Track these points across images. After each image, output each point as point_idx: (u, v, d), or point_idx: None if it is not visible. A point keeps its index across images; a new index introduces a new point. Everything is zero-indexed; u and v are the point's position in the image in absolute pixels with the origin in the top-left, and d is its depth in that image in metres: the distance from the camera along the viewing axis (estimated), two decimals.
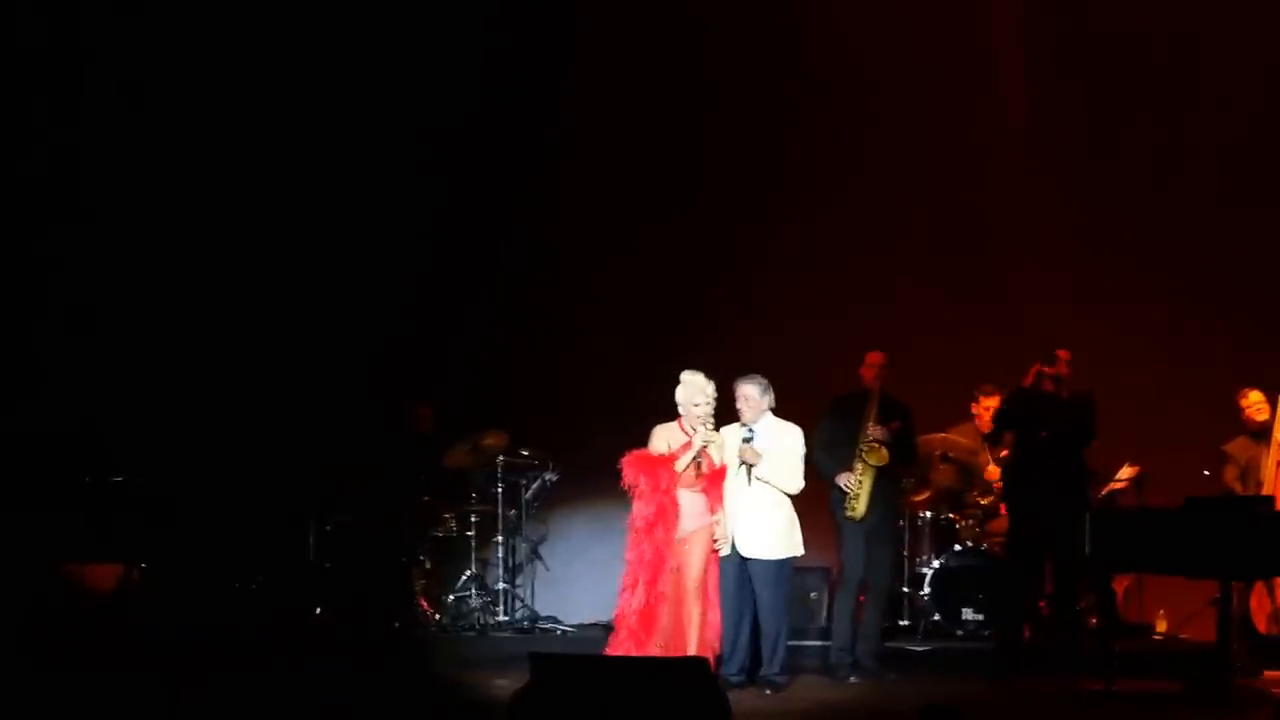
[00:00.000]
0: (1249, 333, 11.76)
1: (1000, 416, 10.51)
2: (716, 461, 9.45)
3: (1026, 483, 10.26)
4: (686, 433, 9.36)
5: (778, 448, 9.61)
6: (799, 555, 9.71)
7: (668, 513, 9.29)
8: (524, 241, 12.66)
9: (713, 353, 10.97)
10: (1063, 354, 10.22)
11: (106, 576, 10.52)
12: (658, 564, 9.25)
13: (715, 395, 9.41)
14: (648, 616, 9.21)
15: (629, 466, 9.32)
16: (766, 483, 9.56)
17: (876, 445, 10.02)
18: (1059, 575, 10.30)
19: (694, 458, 9.31)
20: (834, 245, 12.40)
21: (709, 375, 9.50)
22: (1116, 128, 12.47)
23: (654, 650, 9.11)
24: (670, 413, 9.46)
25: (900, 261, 12.36)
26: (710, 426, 9.39)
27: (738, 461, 9.59)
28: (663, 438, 9.38)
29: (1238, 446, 10.83)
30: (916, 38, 12.56)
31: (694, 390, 9.37)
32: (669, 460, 9.30)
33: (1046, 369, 10.16)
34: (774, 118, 12.59)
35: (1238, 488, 10.70)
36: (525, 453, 11.74)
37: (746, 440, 9.57)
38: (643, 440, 9.42)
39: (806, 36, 12.57)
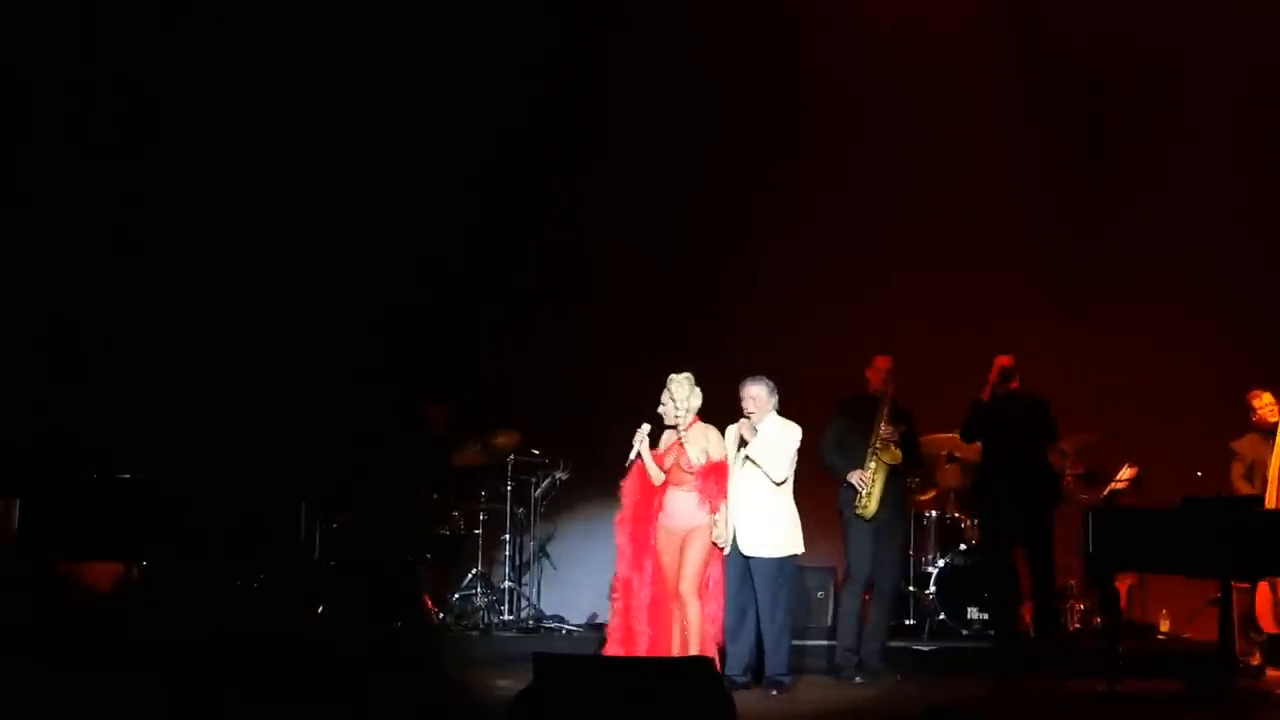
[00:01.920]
0: (1250, 333, 11.76)
1: (965, 429, 10.59)
2: (699, 458, 9.45)
3: (994, 485, 10.34)
4: (678, 432, 9.45)
5: (774, 437, 9.65)
6: (800, 553, 9.73)
7: (637, 507, 9.42)
8: (537, 242, 12.68)
9: (726, 353, 11.06)
10: (1003, 361, 10.30)
11: (105, 575, 10.55)
12: (624, 559, 9.41)
13: (691, 395, 9.45)
14: (625, 613, 9.33)
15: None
16: (756, 464, 9.58)
17: (889, 444, 10.05)
18: (1033, 573, 10.34)
19: (635, 453, 9.41)
20: (839, 248, 12.42)
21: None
22: (1116, 125, 12.48)
23: (640, 647, 9.21)
24: None
25: (904, 263, 12.37)
26: (679, 424, 9.43)
27: (737, 449, 9.63)
28: (664, 438, 9.48)
29: (1246, 444, 10.82)
30: (913, 43, 12.57)
31: (665, 389, 9.47)
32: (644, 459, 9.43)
33: (996, 381, 10.25)
34: (775, 128, 12.62)
35: (1244, 485, 10.70)
36: (536, 451, 11.76)
37: (747, 417, 9.62)
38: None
39: (818, 43, 12.61)
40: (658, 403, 9.53)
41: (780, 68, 12.63)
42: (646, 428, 9.44)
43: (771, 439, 9.63)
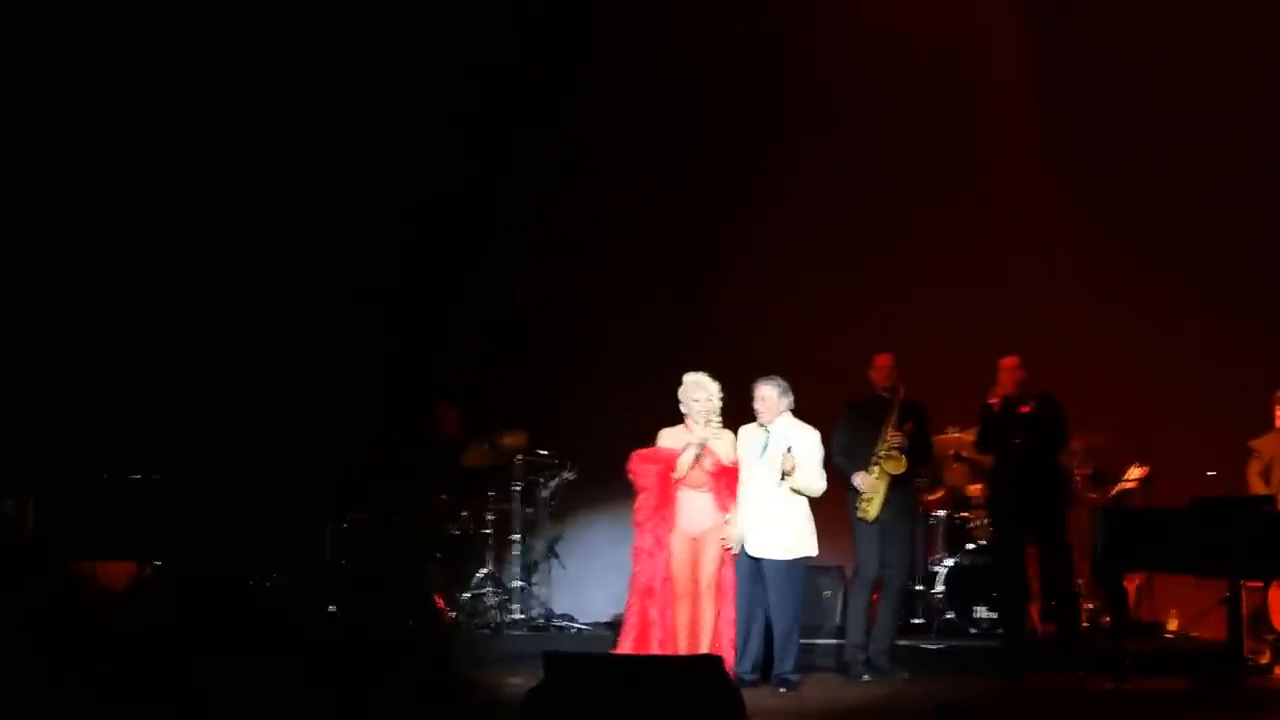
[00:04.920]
0: (1263, 332, 11.76)
1: (979, 442, 10.61)
2: (725, 459, 9.51)
3: (1006, 490, 10.33)
4: (693, 430, 9.47)
5: (804, 459, 9.66)
6: (812, 556, 9.77)
7: (665, 507, 9.42)
8: (544, 241, 12.70)
9: (731, 353, 11.05)
10: (1005, 363, 10.30)
11: (119, 574, 10.59)
12: (652, 558, 9.39)
13: (719, 394, 9.53)
14: (643, 612, 9.35)
15: (634, 463, 9.46)
16: (799, 493, 9.62)
17: (896, 454, 10.07)
18: (1049, 575, 10.35)
19: (695, 454, 9.40)
20: (848, 246, 12.42)
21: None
22: (1126, 122, 12.43)
23: (654, 646, 9.23)
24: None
25: (913, 262, 12.37)
26: (717, 423, 9.48)
27: (753, 461, 9.65)
28: (669, 439, 9.50)
29: (1265, 443, 10.82)
30: (921, 37, 12.56)
31: (693, 387, 9.50)
32: (672, 456, 9.41)
33: (996, 389, 10.26)
34: (784, 122, 12.61)
35: (1259, 484, 10.70)
36: (543, 452, 11.79)
37: (789, 451, 9.60)
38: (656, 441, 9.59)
39: (812, 40, 12.59)
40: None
41: (779, 52, 12.60)
42: (700, 438, 9.45)
43: (800, 456, 9.62)
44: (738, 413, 9.79)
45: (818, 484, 9.70)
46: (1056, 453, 10.36)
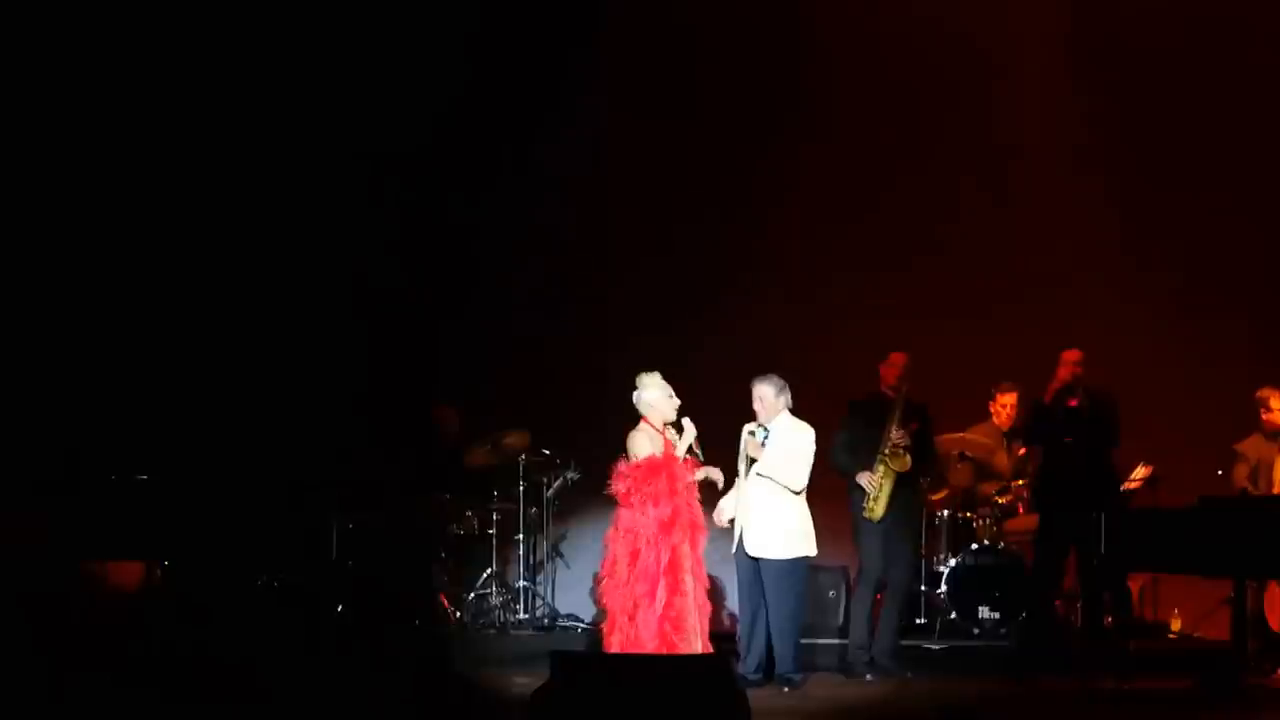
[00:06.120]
0: (1265, 332, 11.78)
1: (1026, 434, 10.60)
2: (681, 454, 9.55)
3: (1056, 489, 10.32)
4: (659, 430, 9.48)
5: (784, 445, 9.69)
6: (812, 556, 9.78)
7: (683, 511, 9.43)
8: (545, 240, 12.72)
9: (732, 353, 11.09)
10: (1067, 356, 10.30)
11: (130, 574, 10.63)
12: (677, 564, 9.38)
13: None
14: (678, 619, 9.34)
15: (640, 474, 9.40)
16: (767, 478, 9.63)
17: (900, 451, 10.09)
18: (1086, 579, 10.34)
19: (690, 445, 9.44)
20: (853, 244, 12.43)
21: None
22: (1133, 126, 12.44)
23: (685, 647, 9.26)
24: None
25: (918, 261, 12.38)
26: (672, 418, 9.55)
27: (746, 464, 9.69)
28: (646, 437, 9.49)
29: (1250, 445, 10.86)
30: (939, 37, 12.57)
31: (655, 387, 9.50)
32: (670, 459, 9.43)
33: (1061, 385, 10.25)
34: (793, 119, 12.60)
35: (1249, 487, 10.72)
36: (547, 452, 11.81)
37: (752, 434, 9.66)
38: None
39: (826, 33, 12.60)
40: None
41: (789, 43, 12.60)
42: (692, 433, 9.49)
43: (780, 449, 9.66)
44: (738, 413, 9.82)
45: (792, 478, 9.63)
46: (1105, 451, 10.32)
